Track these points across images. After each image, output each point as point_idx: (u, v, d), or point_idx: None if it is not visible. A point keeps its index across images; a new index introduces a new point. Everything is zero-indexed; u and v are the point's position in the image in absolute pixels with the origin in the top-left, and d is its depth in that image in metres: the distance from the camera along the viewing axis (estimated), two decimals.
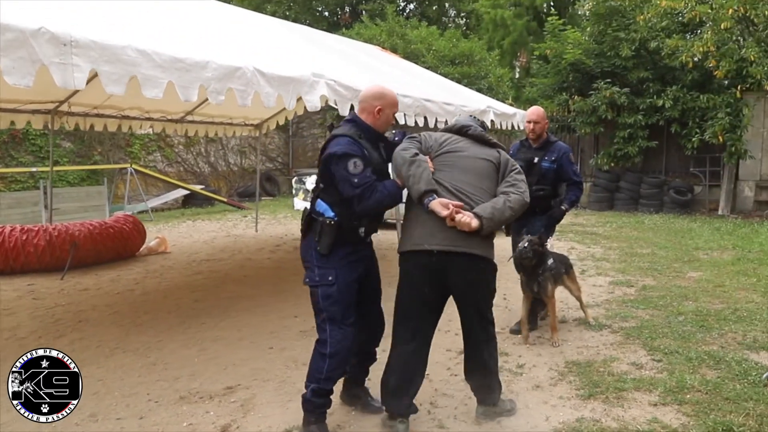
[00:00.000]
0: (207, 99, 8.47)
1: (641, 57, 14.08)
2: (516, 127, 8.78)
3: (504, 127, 8.48)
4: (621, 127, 14.09)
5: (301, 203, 15.75)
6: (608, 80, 14.08)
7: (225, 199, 16.09)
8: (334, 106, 4.67)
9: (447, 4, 30.51)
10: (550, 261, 4.89)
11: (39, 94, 7.54)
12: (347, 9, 29.10)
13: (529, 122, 5.30)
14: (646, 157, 14.50)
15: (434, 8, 29.33)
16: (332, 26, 25.47)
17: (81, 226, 8.30)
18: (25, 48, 2.68)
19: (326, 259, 3.23)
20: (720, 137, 12.66)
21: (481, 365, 3.42)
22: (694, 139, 13.17)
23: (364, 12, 25.52)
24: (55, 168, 13.63)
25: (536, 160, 5.20)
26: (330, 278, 3.22)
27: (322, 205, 3.26)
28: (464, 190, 3.26)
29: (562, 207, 5.25)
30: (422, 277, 3.24)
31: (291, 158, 21.62)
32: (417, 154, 3.24)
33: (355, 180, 3.06)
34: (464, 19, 31.05)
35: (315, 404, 3.28)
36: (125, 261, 8.70)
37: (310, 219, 3.29)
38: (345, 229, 3.23)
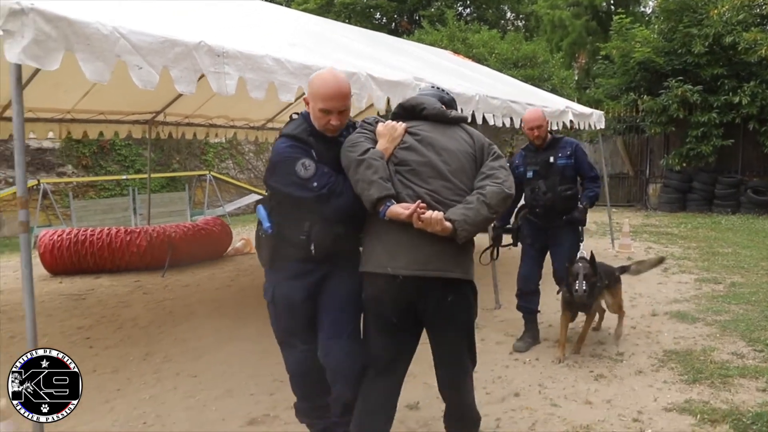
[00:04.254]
0: (287, 105, 8.88)
1: (715, 53, 13.81)
2: (593, 127, 8.85)
3: (582, 127, 8.56)
4: (693, 126, 13.85)
5: None
6: (680, 78, 13.87)
7: None
8: None
9: (505, 7, 30.47)
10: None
11: (140, 105, 8.11)
12: (405, 16, 29.48)
13: (531, 129, 4.83)
14: (721, 156, 14.17)
15: (491, 11, 29.34)
16: (391, 34, 25.85)
17: (177, 228, 8.85)
18: (189, 59, 3.05)
19: (269, 273, 2.85)
20: None
21: (462, 409, 2.92)
22: None
23: (422, 18, 25.78)
24: (140, 176, 14.49)
25: (552, 159, 4.82)
26: (268, 295, 2.84)
27: (261, 212, 2.81)
28: (443, 197, 2.58)
29: (580, 206, 4.82)
30: (388, 305, 2.62)
31: None
32: (368, 150, 2.60)
33: (315, 183, 2.59)
34: (523, 21, 30.93)
35: (300, 420, 3.10)
36: (215, 261, 9.20)
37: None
38: (288, 243, 2.73)
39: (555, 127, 7.59)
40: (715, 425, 3.30)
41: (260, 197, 16.27)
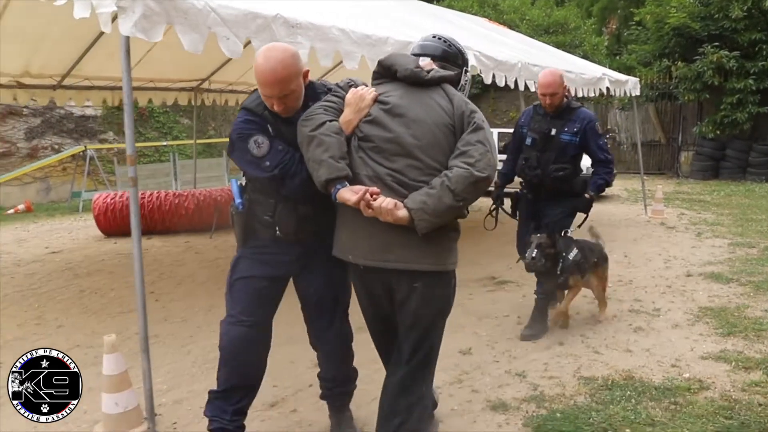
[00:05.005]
0: (328, 71, 9.09)
1: (753, 17, 13.60)
2: (628, 94, 8.94)
3: (617, 94, 8.67)
4: (729, 92, 13.74)
5: None
6: (716, 44, 13.73)
7: None
8: (480, 74, 5.16)
9: None
10: (573, 253, 4.17)
11: (187, 73, 8.42)
12: None
13: (543, 95, 4.26)
14: (756, 123, 14.05)
15: None
16: None
17: (221, 191, 9.23)
18: (267, 31, 3.33)
19: (241, 247, 2.72)
20: None
21: (400, 389, 2.44)
22: None
23: None
24: (179, 142, 14.91)
25: (554, 131, 4.28)
26: (232, 264, 2.72)
27: (234, 188, 2.68)
28: (408, 178, 2.27)
29: (586, 195, 4.31)
30: (364, 291, 2.49)
31: None
32: (323, 124, 2.32)
33: (267, 163, 2.42)
34: None
35: (209, 409, 2.74)
36: None
37: None
38: (258, 222, 2.62)
39: (592, 94, 7.73)
40: (749, 371, 3.56)
41: None
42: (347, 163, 2.27)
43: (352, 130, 2.33)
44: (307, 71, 2.48)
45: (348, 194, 2.20)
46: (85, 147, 12.59)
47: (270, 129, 2.47)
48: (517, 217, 4.63)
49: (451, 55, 2.54)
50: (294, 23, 3.45)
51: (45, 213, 11.62)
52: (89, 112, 14.06)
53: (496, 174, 2.66)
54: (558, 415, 3.07)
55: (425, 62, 2.44)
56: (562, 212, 4.33)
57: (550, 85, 4.23)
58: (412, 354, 2.40)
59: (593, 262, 4.38)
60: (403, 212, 2.17)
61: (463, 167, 2.20)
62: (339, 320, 2.79)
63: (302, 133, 2.34)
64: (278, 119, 2.47)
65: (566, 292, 4.36)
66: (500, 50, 6.16)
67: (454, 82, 2.45)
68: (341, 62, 3.98)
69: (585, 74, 7.53)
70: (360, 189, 2.20)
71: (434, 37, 2.60)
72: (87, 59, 7.01)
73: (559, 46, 17.54)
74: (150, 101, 8.83)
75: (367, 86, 2.44)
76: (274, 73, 2.32)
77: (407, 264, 2.26)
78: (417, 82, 2.36)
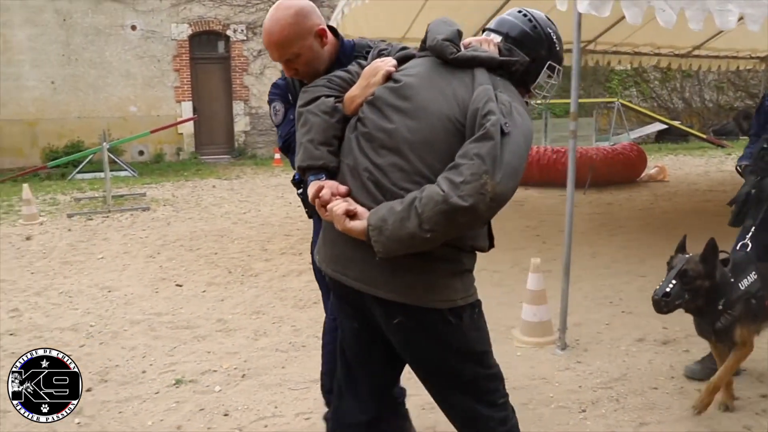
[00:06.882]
0: (717, 33, 8.54)
1: None
2: None
3: None
4: None
5: None
6: None
7: (704, 136, 15.79)
8: None
9: None
10: (747, 282, 2.77)
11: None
12: None
13: None
14: None
15: None
16: None
17: (597, 150, 9.63)
18: (700, 1, 3.59)
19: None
20: None
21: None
22: None
23: None
24: (562, 101, 15.65)
25: None
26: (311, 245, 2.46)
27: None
28: (389, 181, 1.69)
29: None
30: (335, 300, 2.02)
31: None
32: (316, 100, 1.85)
33: (280, 131, 2.26)
34: None
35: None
36: (629, 184, 9.70)
37: None
38: None
39: None
40: None
41: (664, 126, 15.91)
42: (331, 150, 1.81)
43: (354, 110, 1.83)
44: (322, 29, 2.05)
45: (309, 188, 1.77)
46: None
47: (290, 97, 2.26)
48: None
49: (531, 40, 1.85)
50: None
51: None
52: None
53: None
54: None
55: (483, 39, 1.87)
56: None
57: None
58: (445, 400, 1.91)
59: None
60: (357, 224, 1.65)
61: (440, 188, 1.55)
62: None
63: (296, 109, 1.95)
64: (301, 86, 2.08)
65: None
66: None
67: (523, 72, 1.80)
68: None
69: None
70: (321, 184, 1.74)
71: (520, 12, 1.91)
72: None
73: None
74: None
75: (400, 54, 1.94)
76: (269, 36, 2.00)
77: (367, 286, 1.74)
78: (442, 58, 1.77)
